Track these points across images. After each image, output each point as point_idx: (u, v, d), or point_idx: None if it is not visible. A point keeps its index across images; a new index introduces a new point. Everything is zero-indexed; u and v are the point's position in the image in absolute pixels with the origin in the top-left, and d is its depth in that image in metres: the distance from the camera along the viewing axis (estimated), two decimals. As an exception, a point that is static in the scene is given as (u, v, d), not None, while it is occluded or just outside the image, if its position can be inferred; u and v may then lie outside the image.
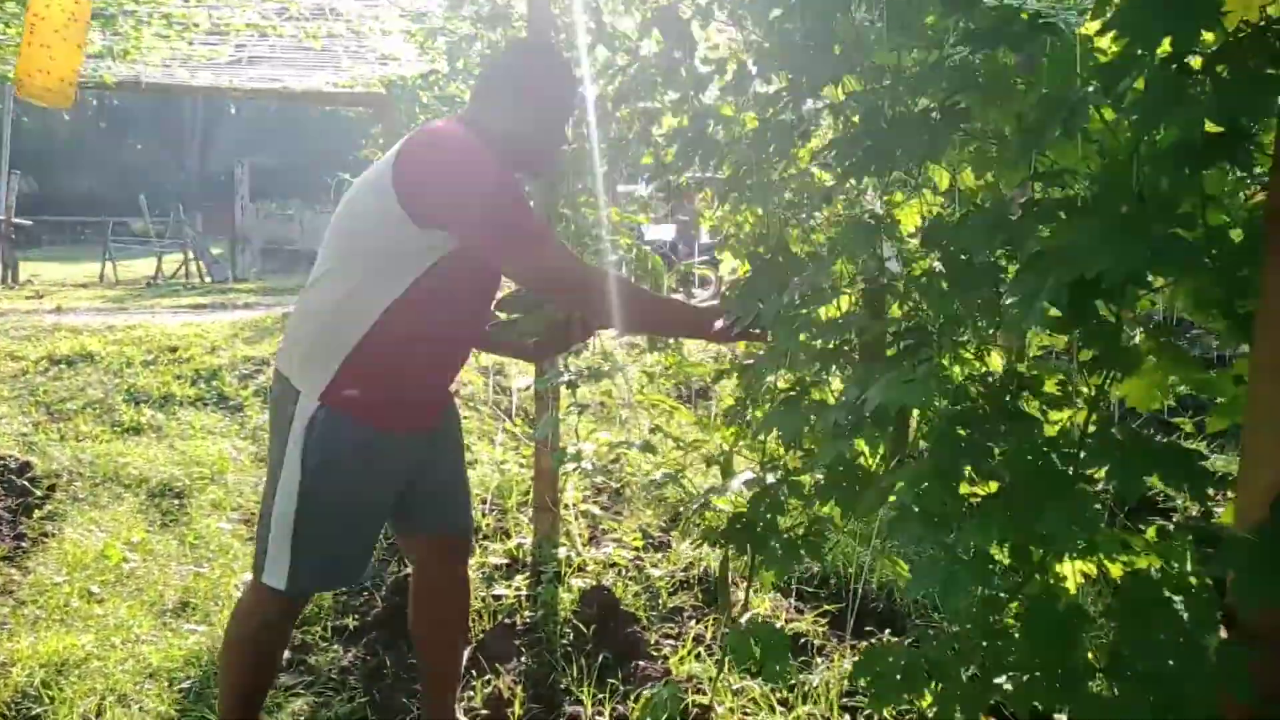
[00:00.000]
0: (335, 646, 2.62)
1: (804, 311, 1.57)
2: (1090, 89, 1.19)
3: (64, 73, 2.32)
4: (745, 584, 2.05)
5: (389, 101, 5.09)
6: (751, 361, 1.85)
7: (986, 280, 1.22)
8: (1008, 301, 1.16)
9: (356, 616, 2.77)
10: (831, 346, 1.51)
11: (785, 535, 1.59)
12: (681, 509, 3.55)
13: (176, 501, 3.80)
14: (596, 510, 3.37)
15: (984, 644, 1.28)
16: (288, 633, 1.89)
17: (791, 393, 1.74)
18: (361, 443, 1.70)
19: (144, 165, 30.81)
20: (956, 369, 1.39)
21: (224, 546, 3.32)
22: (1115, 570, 1.34)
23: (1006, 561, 1.21)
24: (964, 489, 1.23)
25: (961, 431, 1.27)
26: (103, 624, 2.66)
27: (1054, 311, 1.17)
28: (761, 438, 1.78)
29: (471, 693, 2.31)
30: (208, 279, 13.79)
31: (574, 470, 2.90)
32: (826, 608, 2.69)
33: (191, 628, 2.69)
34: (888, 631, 2.52)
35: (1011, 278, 1.18)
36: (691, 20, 2.26)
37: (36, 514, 3.60)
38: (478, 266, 1.71)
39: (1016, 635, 1.28)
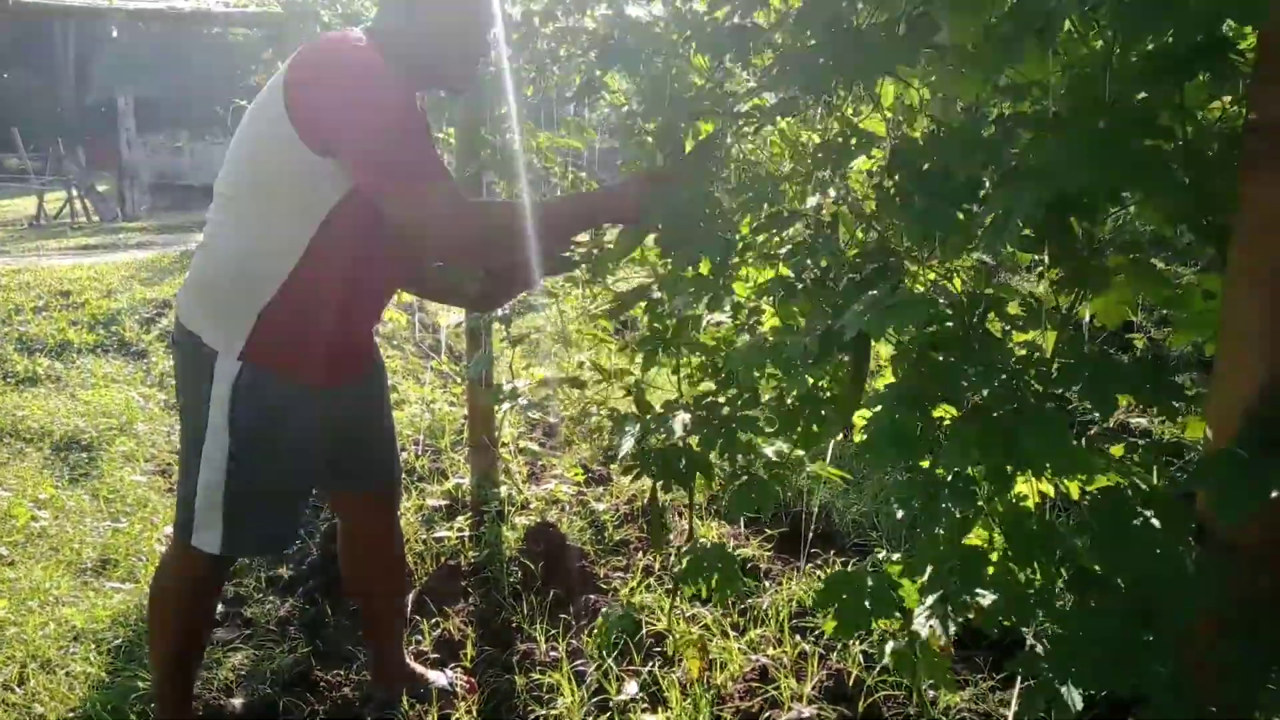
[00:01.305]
0: (271, 597, 2.53)
1: (759, 238, 1.52)
2: (1062, -1, 1.15)
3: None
4: (689, 514, 2.04)
5: (286, 22, 4.77)
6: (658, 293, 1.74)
7: (963, 198, 1.19)
8: (986, 220, 1.14)
9: (290, 566, 2.68)
10: (779, 274, 1.47)
11: (746, 472, 1.57)
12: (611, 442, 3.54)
13: (85, 455, 3.59)
14: (535, 447, 3.32)
15: (955, 563, 1.29)
16: (218, 589, 1.80)
17: (735, 323, 1.69)
18: (292, 401, 1.57)
19: (13, 97, 28.52)
20: (919, 290, 1.38)
21: (141, 500, 3.16)
22: (1073, 489, 1.37)
23: (982, 482, 1.21)
24: (937, 412, 1.23)
25: (935, 355, 1.25)
26: (16, 588, 2.50)
27: (1028, 230, 1.15)
28: (684, 370, 1.72)
29: (420, 636, 2.27)
30: (95, 218, 12.97)
31: (510, 408, 2.84)
32: (769, 531, 2.72)
33: (115, 586, 2.56)
34: (832, 552, 2.56)
35: (987, 195, 1.15)
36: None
37: (-72, 475, 3.36)
38: (364, 218, 1.51)
39: (989, 554, 1.30)
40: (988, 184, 1.17)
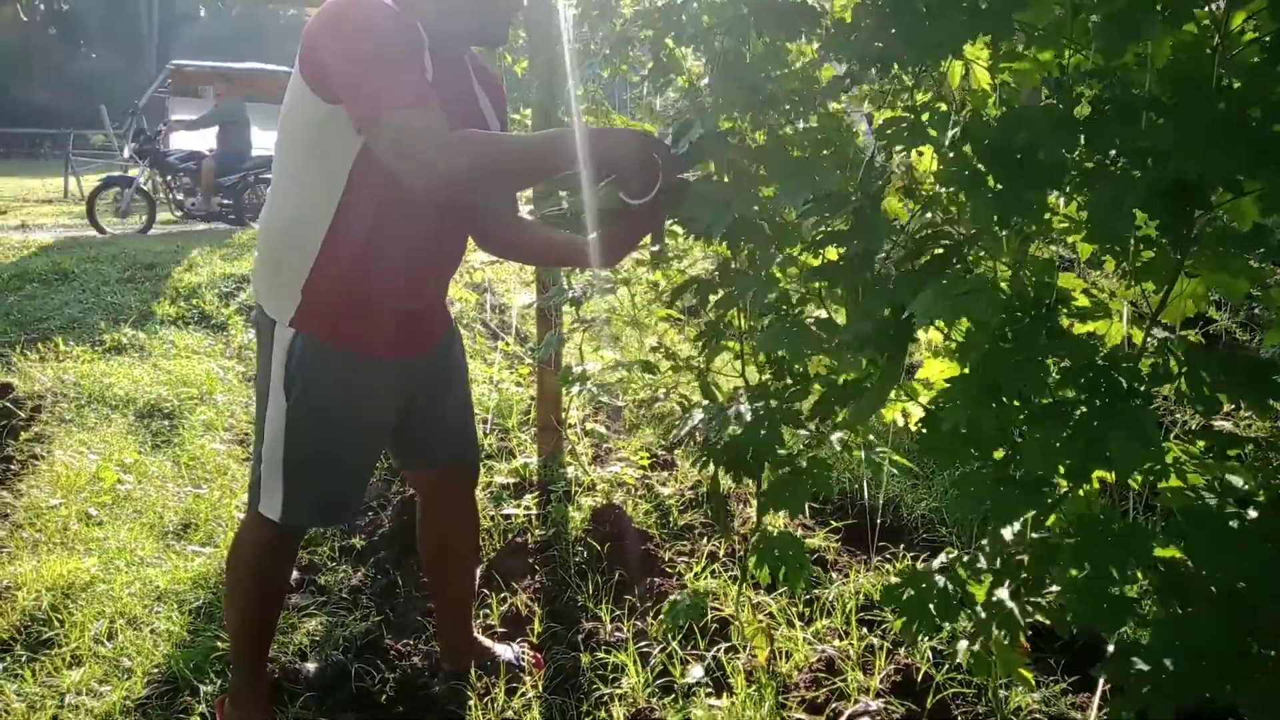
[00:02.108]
0: (344, 566, 2.60)
1: (814, 225, 1.47)
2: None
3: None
4: (758, 505, 2.03)
5: None
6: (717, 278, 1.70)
7: (1045, 181, 1.14)
8: (1088, 208, 1.09)
9: (363, 536, 2.74)
10: (830, 260, 1.43)
11: (789, 464, 1.54)
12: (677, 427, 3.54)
13: (166, 422, 3.73)
14: (601, 429, 3.34)
15: (1030, 563, 1.26)
16: (291, 557, 1.83)
17: (780, 309, 1.65)
18: (343, 370, 1.58)
19: (99, 74, 29.57)
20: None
21: (220, 468, 3.27)
22: (1134, 483, 1.32)
23: (1062, 483, 1.17)
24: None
25: (1008, 347, 1.21)
26: (104, 547, 2.62)
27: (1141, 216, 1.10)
28: (744, 358, 1.69)
29: (488, 610, 2.31)
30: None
31: (579, 391, 2.86)
32: (835, 524, 2.70)
33: (196, 549, 2.65)
34: (901, 546, 2.53)
35: (1086, 180, 1.11)
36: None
37: (23, 436, 3.52)
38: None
39: (1067, 553, 1.26)
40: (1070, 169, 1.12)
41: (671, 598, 1.79)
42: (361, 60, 1.36)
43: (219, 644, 2.13)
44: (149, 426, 3.68)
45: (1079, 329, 1.36)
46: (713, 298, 1.66)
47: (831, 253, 1.39)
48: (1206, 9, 1.11)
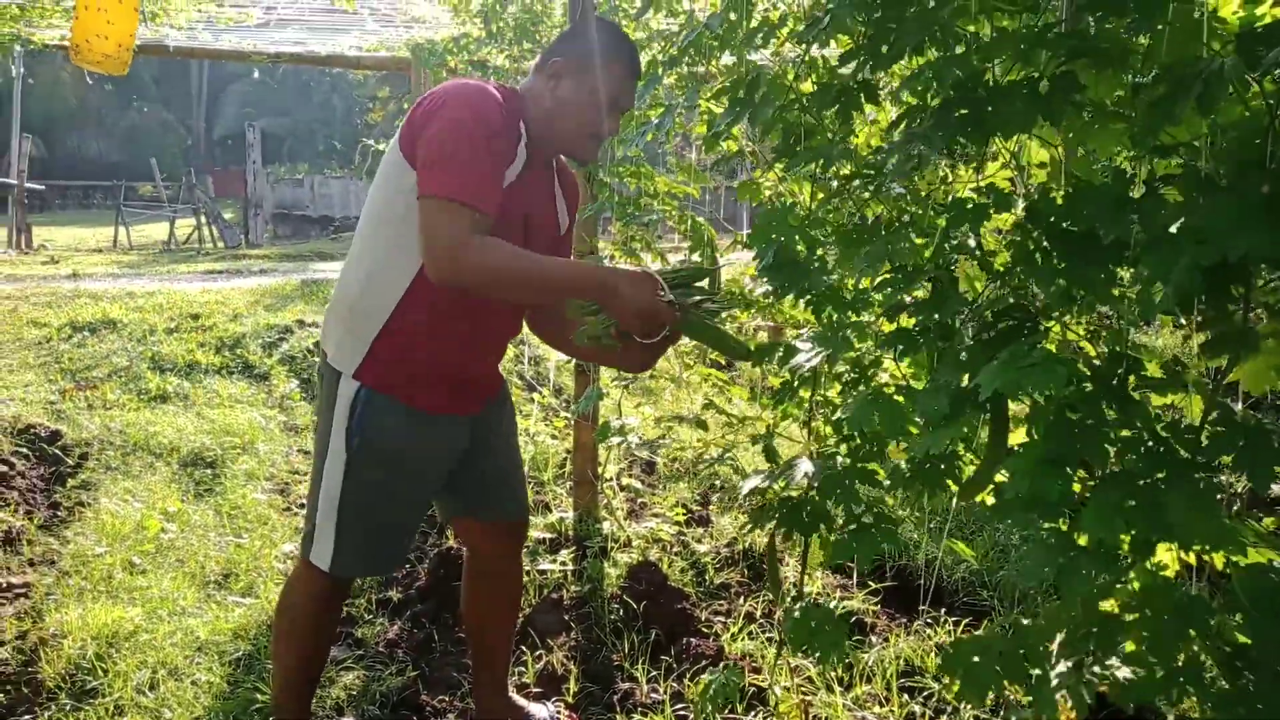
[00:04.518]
0: (381, 619, 2.61)
1: (884, 293, 1.51)
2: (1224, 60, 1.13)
3: (121, 38, 2.25)
4: (801, 567, 2.02)
5: (414, 66, 5.00)
6: (791, 339, 1.76)
7: (1107, 259, 1.17)
8: (1135, 284, 1.12)
9: (400, 589, 2.75)
10: (905, 327, 1.46)
11: (857, 521, 1.55)
12: (720, 484, 3.53)
13: (209, 471, 3.79)
14: (637, 484, 3.34)
15: (1091, 632, 1.25)
16: (338, 608, 1.86)
17: (851, 375, 1.68)
18: (402, 425, 1.65)
19: (150, 128, 30.62)
20: (1051, 349, 1.35)
21: (261, 517, 3.31)
22: (1218, 560, 1.30)
23: (1126, 551, 1.17)
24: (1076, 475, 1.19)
25: (1073, 415, 1.22)
26: (148, 596, 2.65)
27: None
28: (816, 421, 1.72)
29: (523, 668, 2.30)
30: (220, 244, 13.74)
31: (618, 445, 2.87)
32: (873, 585, 2.66)
33: (236, 600, 2.68)
34: (943, 611, 2.49)
35: (1140, 257, 1.13)
36: (753, -21, 2.19)
37: (70, 483, 3.60)
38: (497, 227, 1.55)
39: (1128, 623, 1.25)
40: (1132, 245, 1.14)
41: (706, 676, 1.77)
42: (449, 141, 1.48)
43: (258, 696, 2.14)
44: (192, 475, 3.75)
45: (1157, 401, 1.36)
46: (783, 360, 1.69)
47: (906, 320, 1.43)
48: (1259, 88, 1.13)
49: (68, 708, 2.11)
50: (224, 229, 14.21)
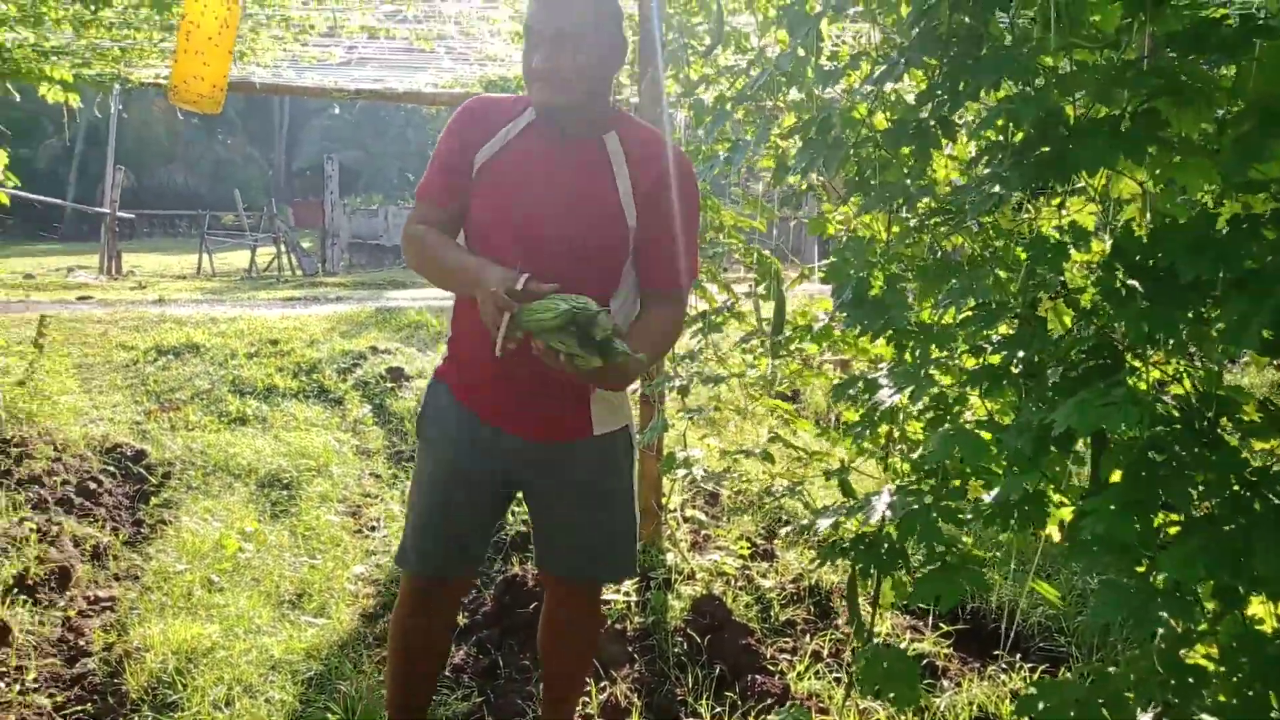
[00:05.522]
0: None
1: (966, 329, 1.50)
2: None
3: (216, 78, 2.38)
4: (872, 606, 1.99)
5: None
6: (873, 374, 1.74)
7: (1193, 299, 1.14)
8: (1218, 324, 1.09)
9: (466, 614, 2.79)
10: (989, 363, 1.45)
11: (940, 561, 1.53)
12: (785, 518, 3.49)
13: (285, 492, 3.90)
14: (701, 516, 3.33)
15: (1173, 682, 1.21)
16: (421, 614, 1.81)
17: (935, 413, 1.67)
18: (442, 403, 1.76)
19: (234, 160, 31.90)
20: (1142, 388, 1.32)
21: (334, 539, 3.38)
22: None
23: (1208, 599, 1.13)
24: (1159, 519, 1.16)
25: (1157, 458, 1.19)
26: (225, 613, 2.73)
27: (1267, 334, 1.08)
28: (893, 457, 1.71)
29: (587, 699, 2.30)
30: (299, 272, 14.19)
31: (683, 476, 2.87)
32: (945, 627, 2.60)
33: (309, 620, 2.74)
34: (1018, 656, 2.42)
35: (1222, 298, 1.10)
36: (822, 16, 2.21)
37: (153, 501, 3.73)
38: (477, 231, 1.66)
39: (1215, 675, 1.21)
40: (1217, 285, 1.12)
41: (771, 717, 1.75)
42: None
43: (329, 716, 2.19)
44: (268, 496, 3.86)
45: (1257, 445, 1.33)
46: (861, 395, 1.68)
47: (993, 357, 1.42)
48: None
49: (149, 720, 2.18)
50: (302, 257, 14.68)
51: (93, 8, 2.07)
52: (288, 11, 3.41)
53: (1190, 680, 1.19)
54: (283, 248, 14.62)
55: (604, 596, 2.79)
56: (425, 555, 1.78)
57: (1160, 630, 1.18)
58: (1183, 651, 1.23)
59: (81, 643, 2.55)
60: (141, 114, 26.81)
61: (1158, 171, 1.36)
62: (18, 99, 3.94)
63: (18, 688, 2.28)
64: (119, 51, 3.73)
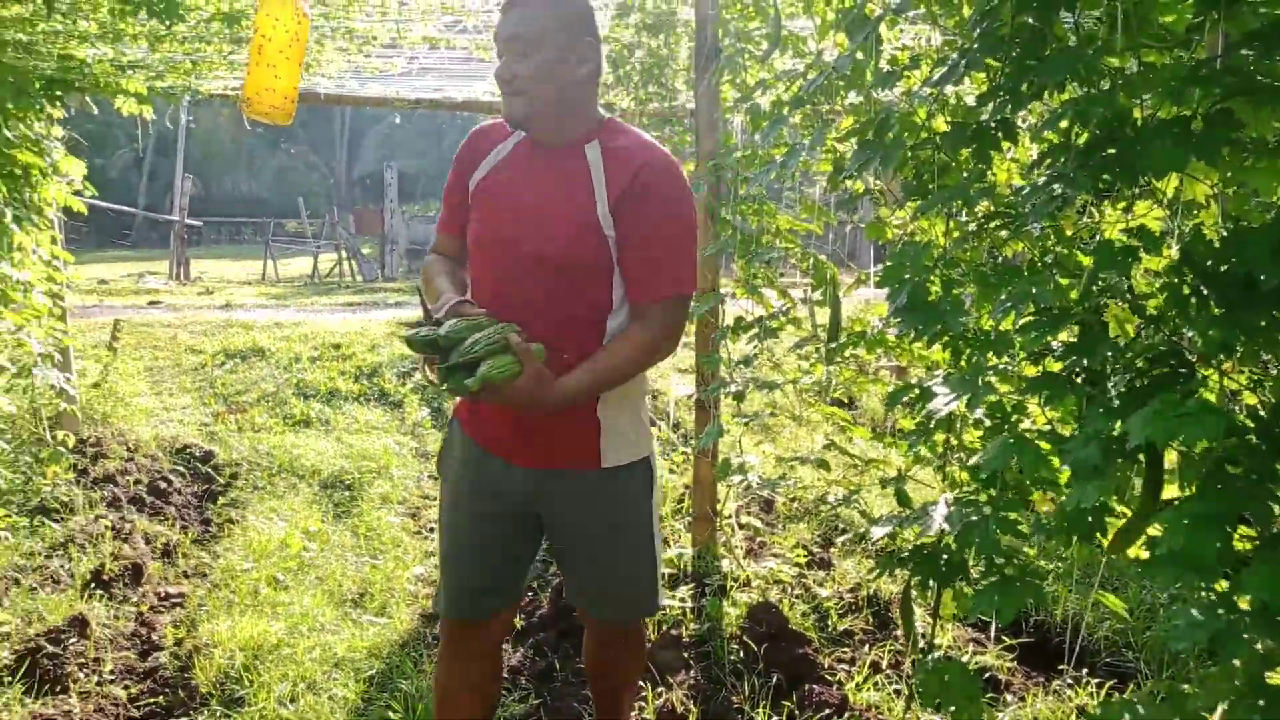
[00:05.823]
0: (503, 645, 2.66)
1: (1026, 335, 1.47)
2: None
3: (287, 90, 2.45)
4: (933, 618, 1.96)
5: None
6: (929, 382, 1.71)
7: (1267, 304, 1.11)
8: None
9: (523, 616, 2.81)
10: (1051, 371, 1.42)
11: (1000, 573, 1.50)
12: (842, 526, 3.46)
13: (347, 493, 3.98)
14: (756, 523, 3.32)
15: (1257, 705, 1.17)
16: (464, 663, 1.75)
17: (994, 420, 1.64)
18: (454, 437, 1.75)
19: (296, 169, 32.69)
20: (1212, 398, 1.28)
21: (395, 540, 3.45)
22: None
23: (1287, 619, 1.09)
24: (1238, 534, 1.13)
25: (1234, 470, 1.16)
26: (289, 611, 2.80)
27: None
28: (951, 466, 1.68)
29: (643, 703, 2.30)
30: (359, 278, 14.48)
31: (738, 483, 2.86)
32: (1008, 640, 2.55)
33: (371, 619, 2.80)
34: (1084, 671, 2.36)
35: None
36: (882, 19, 2.19)
37: (220, 500, 3.85)
38: (474, 251, 1.68)
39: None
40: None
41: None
42: None
43: (390, 714, 2.23)
44: (331, 497, 3.94)
45: None
46: (916, 403, 1.66)
47: (1053, 365, 1.39)
48: None
49: (219, 714, 2.25)
50: (362, 264, 14.97)
51: (168, 23, 2.15)
52: (352, 24, 3.49)
53: (1275, 704, 1.15)
54: (344, 254, 14.92)
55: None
56: (453, 597, 1.72)
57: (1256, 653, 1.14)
58: (1268, 674, 1.19)
59: (154, 637, 2.64)
60: (208, 124, 27.66)
61: (1229, 174, 1.33)
62: (95, 112, 4.09)
63: (95, 679, 2.36)
64: (190, 64, 3.85)
